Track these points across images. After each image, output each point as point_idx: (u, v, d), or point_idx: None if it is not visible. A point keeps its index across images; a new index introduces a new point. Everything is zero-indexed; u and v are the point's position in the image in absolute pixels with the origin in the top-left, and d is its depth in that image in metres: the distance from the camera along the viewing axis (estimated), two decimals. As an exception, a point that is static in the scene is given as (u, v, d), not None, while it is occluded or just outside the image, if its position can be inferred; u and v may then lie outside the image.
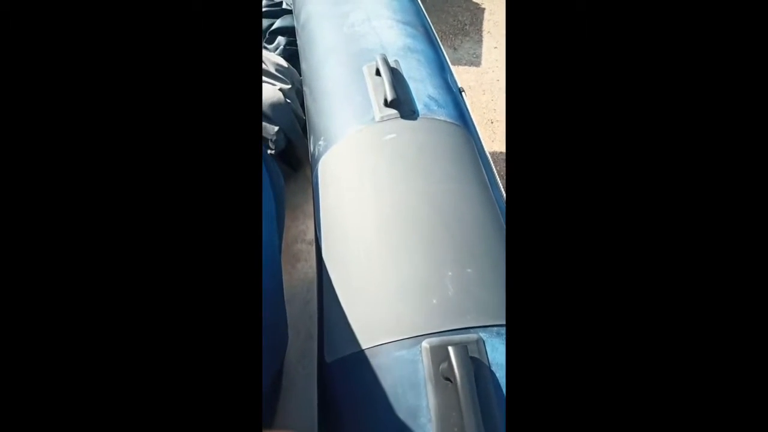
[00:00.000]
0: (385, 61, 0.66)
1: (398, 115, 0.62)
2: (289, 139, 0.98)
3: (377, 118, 0.62)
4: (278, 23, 1.13)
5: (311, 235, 1.06)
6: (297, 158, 1.06)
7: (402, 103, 0.62)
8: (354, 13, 0.79)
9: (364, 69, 0.69)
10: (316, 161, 0.68)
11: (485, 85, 1.80)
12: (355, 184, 0.57)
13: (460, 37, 1.96)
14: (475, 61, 1.90)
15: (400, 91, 0.63)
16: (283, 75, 0.98)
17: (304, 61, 0.90)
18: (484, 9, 2.07)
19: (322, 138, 0.69)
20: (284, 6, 1.23)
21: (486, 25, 2.01)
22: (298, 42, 0.97)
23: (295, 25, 1.00)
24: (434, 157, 0.56)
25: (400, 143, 0.59)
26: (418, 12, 0.85)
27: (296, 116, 0.98)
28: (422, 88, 0.67)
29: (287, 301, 0.93)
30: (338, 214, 0.57)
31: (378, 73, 0.67)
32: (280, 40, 1.10)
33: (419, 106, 0.64)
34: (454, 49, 1.92)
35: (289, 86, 0.98)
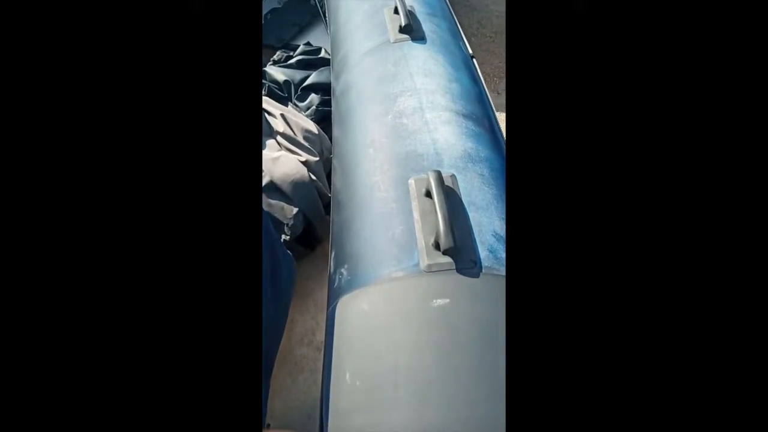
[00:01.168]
0: (440, 181, 0.50)
1: (453, 267, 0.45)
2: (308, 220, 0.83)
3: (423, 266, 0.46)
4: (313, 77, 0.99)
5: (321, 336, 0.89)
6: (316, 237, 0.91)
7: (459, 251, 0.46)
8: (404, 98, 0.64)
9: (411, 183, 0.54)
10: (336, 295, 0.52)
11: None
12: (383, 370, 0.40)
13: (504, 80, 1.82)
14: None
15: (458, 231, 0.47)
16: (311, 144, 0.84)
17: (338, 129, 0.75)
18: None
19: (346, 266, 0.53)
20: (323, 54, 1.09)
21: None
22: (333, 107, 0.82)
23: (332, 85, 0.86)
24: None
25: (453, 317, 0.42)
26: (481, 97, 0.69)
27: (319, 193, 0.83)
28: (486, 220, 0.50)
29: (280, 427, 0.77)
30: (353, 399, 0.41)
31: (429, 194, 0.51)
32: (313, 98, 0.96)
33: (482, 253, 0.47)
34: (498, 93, 1.77)
35: (317, 159, 0.83)
